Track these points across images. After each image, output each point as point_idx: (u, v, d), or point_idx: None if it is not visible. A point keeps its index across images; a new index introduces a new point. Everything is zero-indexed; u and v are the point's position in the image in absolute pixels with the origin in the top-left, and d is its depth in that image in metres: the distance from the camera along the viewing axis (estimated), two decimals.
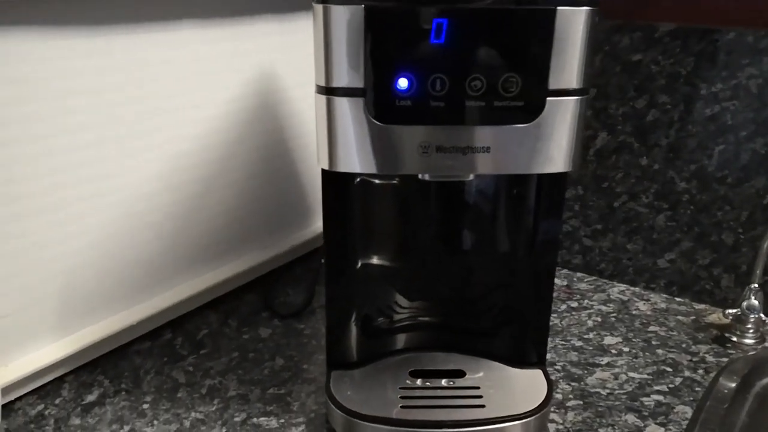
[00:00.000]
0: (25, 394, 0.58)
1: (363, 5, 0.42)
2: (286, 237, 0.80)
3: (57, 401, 0.58)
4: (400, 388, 0.54)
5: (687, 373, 0.62)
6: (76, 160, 0.57)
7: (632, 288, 0.77)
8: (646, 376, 0.61)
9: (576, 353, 0.65)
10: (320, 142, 0.46)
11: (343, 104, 0.44)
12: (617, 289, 0.77)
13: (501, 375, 0.56)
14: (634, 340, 0.67)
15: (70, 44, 0.53)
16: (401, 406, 0.52)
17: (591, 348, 0.66)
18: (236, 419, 0.56)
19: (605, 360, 0.64)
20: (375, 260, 0.56)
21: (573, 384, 0.60)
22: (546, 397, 0.53)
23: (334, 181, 0.50)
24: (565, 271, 0.82)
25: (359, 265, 0.56)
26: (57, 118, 0.54)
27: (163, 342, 0.67)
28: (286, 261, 0.79)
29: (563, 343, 0.67)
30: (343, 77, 0.44)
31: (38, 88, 0.52)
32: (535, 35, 0.43)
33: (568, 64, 0.44)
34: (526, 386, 0.54)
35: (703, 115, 0.68)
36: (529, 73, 0.43)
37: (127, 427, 0.55)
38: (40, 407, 0.57)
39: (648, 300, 0.75)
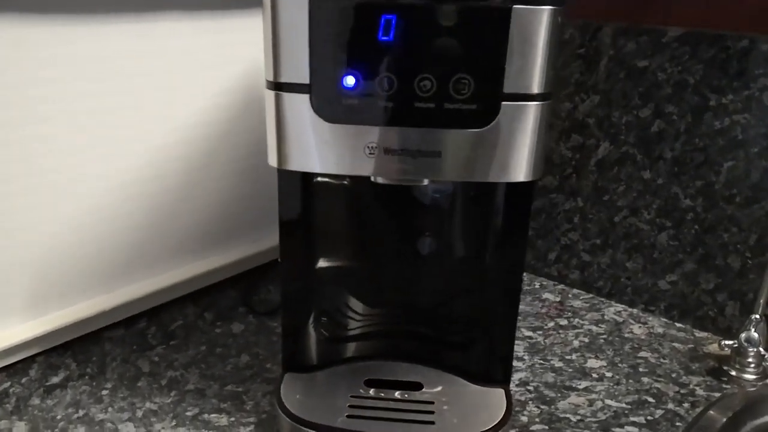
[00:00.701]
0: None
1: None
2: (272, 234, 0.79)
3: (23, 380, 0.58)
4: (351, 396, 0.52)
5: (670, 405, 0.58)
6: (56, 147, 0.57)
7: (630, 309, 0.73)
8: (624, 405, 0.58)
9: (553, 374, 0.62)
10: (269, 139, 0.44)
11: (289, 100, 0.43)
12: (613, 309, 0.73)
13: (459, 391, 0.53)
14: (620, 365, 0.63)
15: (56, 30, 0.54)
16: (347, 415, 0.50)
17: (571, 370, 0.62)
18: (188, 413, 0.55)
19: (583, 384, 0.60)
20: (333, 262, 0.55)
21: (543, 407, 0.57)
22: (502, 418, 0.50)
23: (289, 179, 0.49)
24: (561, 286, 0.78)
25: (316, 266, 0.54)
26: (35, 105, 0.55)
27: (136, 330, 0.67)
28: (270, 259, 0.78)
29: (542, 362, 0.63)
30: (290, 72, 0.42)
31: (12, 73, 0.53)
32: (488, 34, 0.40)
33: (527, 67, 0.41)
34: (483, 405, 0.52)
35: (712, 128, 0.64)
36: (482, 74, 0.41)
37: (81, 412, 0.55)
38: (6, 384, 0.57)
39: (645, 323, 0.70)
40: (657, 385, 0.60)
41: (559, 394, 0.59)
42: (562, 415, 0.56)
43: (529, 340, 0.67)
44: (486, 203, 0.50)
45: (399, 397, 0.53)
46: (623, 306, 0.74)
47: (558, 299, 0.75)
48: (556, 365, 0.63)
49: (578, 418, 0.56)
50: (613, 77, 0.69)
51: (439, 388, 0.54)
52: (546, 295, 0.76)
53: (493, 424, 0.49)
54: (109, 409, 0.55)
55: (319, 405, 0.51)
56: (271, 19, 0.41)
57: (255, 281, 0.75)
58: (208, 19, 0.64)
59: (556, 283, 0.79)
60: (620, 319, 0.71)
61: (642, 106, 0.67)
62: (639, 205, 0.70)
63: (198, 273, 0.71)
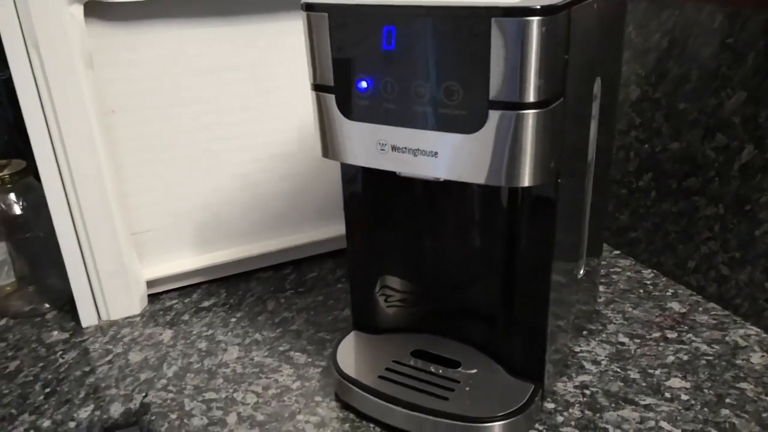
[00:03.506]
0: (169, 290, 0.78)
1: (327, 12, 0.47)
2: None
3: (186, 300, 0.77)
4: (393, 361, 0.59)
5: None
6: (227, 121, 0.73)
7: (763, 335, 0.64)
8: (678, 431, 0.54)
9: (621, 384, 0.59)
10: (315, 132, 0.52)
11: (323, 99, 0.50)
12: (742, 332, 0.65)
13: (489, 377, 0.56)
14: (706, 390, 0.58)
15: (224, 31, 0.69)
16: (379, 376, 0.57)
17: (644, 385, 0.59)
18: (280, 348, 0.67)
19: (648, 401, 0.57)
20: (389, 243, 0.60)
21: (587, 413, 0.56)
22: (511, 412, 0.52)
23: (348, 169, 0.57)
24: (696, 297, 0.71)
25: (376, 245, 0.61)
26: (211, 88, 0.71)
27: (280, 275, 0.81)
28: None
29: (617, 371, 0.61)
30: (322, 76, 0.49)
31: (196, 76, 0.69)
32: (472, 45, 0.42)
33: (514, 77, 0.42)
34: (502, 395, 0.54)
35: None
36: (469, 83, 0.43)
37: (210, 331, 0.71)
38: (174, 302, 0.77)
39: None
40: (735, 420, 0.54)
41: (613, 405, 0.57)
42: (602, 425, 0.55)
43: (619, 346, 0.64)
44: (512, 206, 0.51)
45: (433, 370, 0.57)
46: (756, 330, 0.65)
47: (683, 310, 0.69)
48: (631, 377, 0.60)
49: None
50: (761, 73, 0.60)
51: (474, 371, 0.57)
52: (672, 304, 0.70)
53: (498, 414, 0.52)
54: (229, 333, 0.70)
55: (364, 363, 0.59)
56: (307, 34, 0.49)
57: None
58: None
59: (693, 293, 0.72)
60: (743, 344, 0.63)
61: None
62: None
63: (336, 235, 0.82)
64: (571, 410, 0.56)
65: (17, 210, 0.72)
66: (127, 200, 0.72)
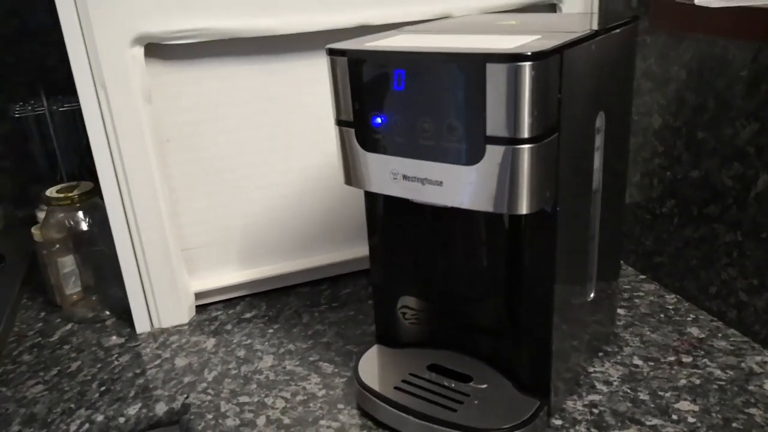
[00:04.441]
0: (216, 302, 0.85)
1: (346, 57, 0.52)
2: None
3: (230, 312, 0.83)
4: (410, 374, 0.63)
5: None
6: (269, 147, 0.80)
7: None
8: None
9: (630, 405, 0.61)
10: (338, 161, 0.58)
11: (345, 133, 0.55)
12: (759, 359, 0.66)
13: (498, 392, 0.59)
14: (713, 414, 0.59)
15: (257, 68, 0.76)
16: (394, 387, 0.61)
17: (652, 406, 0.61)
18: (311, 359, 0.72)
19: (653, 422, 0.59)
20: (407, 265, 0.65)
21: (593, 431, 0.59)
22: (514, 426, 0.55)
23: (369, 196, 0.62)
24: (717, 323, 0.72)
25: (397, 265, 0.65)
26: (246, 118, 0.78)
27: (317, 291, 0.87)
28: None
29: (627, 391, 0.63)
30: (343, 112, 0.55)
31: (239, 96, 0.77)
32: (470, 87, 0.46)
33: (507, 115, 0.46)
34: (507, 410, 0.57)
35: None
36: (468, 120, 0.47)
37: (249, 341, 0.77)
38: (219, 312, 0.83)
39: None
40: None
41: (619, 424, 0.59)
42: None
43: (632, 368, 0.66)
44: (514, 232, 0.55)
45: (446, 384, 0.61)
46: None
47: (702, 336, 0.71)
48: (641, 398, 0.62)
49: None
50: None
51: (484, 386, 0.60)
52: (691, 329, 0.72)
53: (502, 427, 0.55)
54: (266, 343, 0.76)
55: (383, 374, 0.63)
56: (330, 75, 0.54)
57: None
58: None
59: (714, 319, 0.73)
60: (758, 370, 0.64)
61: None
62: None
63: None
64: (577, 427, 0.59)
65: (84, 226, 0.80)
66: (179, 219, 0.79)
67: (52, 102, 0.95)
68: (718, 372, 0.65)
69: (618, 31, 0.56)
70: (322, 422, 0.62)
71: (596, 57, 0.53)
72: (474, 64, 0.46)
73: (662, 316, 0.75)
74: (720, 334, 0.71)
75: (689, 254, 0.75)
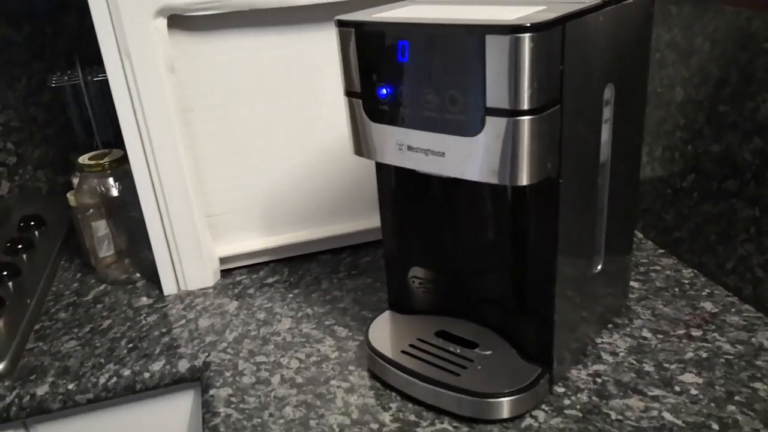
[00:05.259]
0: (240, 267, 0.89)
1: (353, 28, 0.53)
2: None
3: (253, 277, 0.87)
4: (417, 339, 0.65)
5: None
6: (291, 118, 0.82)
7: None
8: (680, 423, 0.56)
9: (634, 375, 0.62)
10: (348, 132, 0.59)
11: (353, 104, 0.57)
12: None
13: (501, 359, 0.61)
14: (717, 387, 0.60)
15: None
16: (401, 351, 0.63)
17: (656, 377, 0.62)
18: (326, 323, 0.75)
19: (656, 392, 0.60)
20: (418, 234, 0.66)
21: (594, 399, 0.60)
22: (514, 390, 0.57)
23: (380, 167, 0.63)
24: (732, 298, 0.72)
25: (407, 235, 0.67)
26: (269, 89, 0.80)
27: (338, 258, 0.89)
28: None
29: (633, 363, 0.64)
30: (351, 83, 0.56)
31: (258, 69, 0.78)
32: (470, 59, 0.47)
33: (507, 87, 0.47)
34: (509, 375, 0.59)
35: None
36: (469, 92, 0.48)
37: (269, 304, 0.80)
38: (243, 277, 0.87)
39: None
40: (739, 416, 0.56)
41: (621, 393, 0.60)
42: (606, 410, 0.58)
43: (641, 340, 0.67)
44: (518, 200, 0.56)
45: (451, 349, 0.63)
46: None
47: (715, 310, 0.70)
48: (645, 369, 0.63)
49: (619, 418, 0.57)
50: None
51: (489, 352, 0.62)
52: (705, 304, 0.72)
53: (502, 391, 0.57)
54: (285, 307, 0.79)
55: (392, 339, 0.66)
56: (339, 47, 0.56)
57: None
58: None
59: (730, 294, 0.73)
60: None
61: None
62: None
63: None
64: (579, 395, 0.60)
65: (114, 192, 0.84)
66: (204, 186, 0.82)
67: (87, 72, 0.99)
68: (727, 346, 0.65)
69: (630, 1, 0.56)
70: (332, 382, 0.65)
71: (605, 28, 0.53)
72: (474, 35, 0.46)
73: (677, 290, 0.75)
74: (734, 309, 0.70)
75: (708, 230, 0.74)
